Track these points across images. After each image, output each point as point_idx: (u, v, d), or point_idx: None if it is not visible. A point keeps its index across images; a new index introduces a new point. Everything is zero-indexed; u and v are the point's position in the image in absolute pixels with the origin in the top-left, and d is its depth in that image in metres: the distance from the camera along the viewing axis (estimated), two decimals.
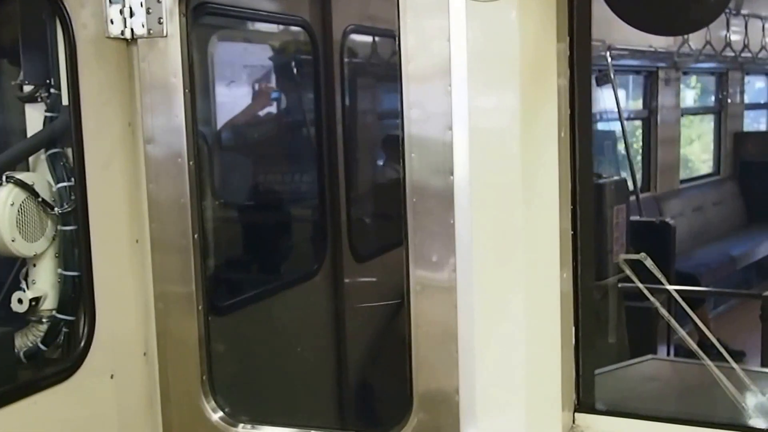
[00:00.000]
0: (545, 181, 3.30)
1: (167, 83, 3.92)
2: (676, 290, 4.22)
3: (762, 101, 15.26)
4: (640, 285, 3.74)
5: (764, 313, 6.22)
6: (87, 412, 3.81)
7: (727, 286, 10.82)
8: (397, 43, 3.51)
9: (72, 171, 3.80)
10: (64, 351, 3.87)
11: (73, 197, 3.79)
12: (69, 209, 3.80)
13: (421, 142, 3.52)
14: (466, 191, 3.42)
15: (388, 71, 6.02)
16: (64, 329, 3.86)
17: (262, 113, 5.80)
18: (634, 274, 4.00)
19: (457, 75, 3.40)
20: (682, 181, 12.78)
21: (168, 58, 3.89)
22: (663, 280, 3.63)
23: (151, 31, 3.86)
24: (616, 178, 6.56)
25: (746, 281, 11.75)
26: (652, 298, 3.73)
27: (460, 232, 3.48)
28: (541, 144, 3.28)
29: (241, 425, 4.03)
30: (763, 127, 15.39)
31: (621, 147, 9.93)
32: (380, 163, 6.49)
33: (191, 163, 3.95)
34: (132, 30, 3.86)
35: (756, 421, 3.67)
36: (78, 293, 3.84)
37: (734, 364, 3.55)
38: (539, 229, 3.32)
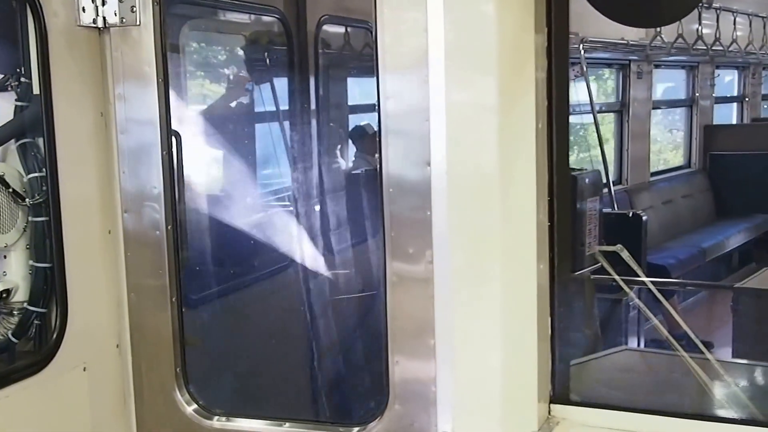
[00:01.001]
0: (522, 172, 3.30)
1: (140, 73, 3.87)
2: (651, 282, 4.25)
3: (732, 94, 15.41)
4: (617, 277, 3.76)
5: (735, 305, 6.27)
6: (59, 405, 3.77)
7: (697, 278, 10.92)
8: (373, 34, 3.49)
9: (43, 161, 3.75)
10: (35, 344, 3.83)
11: (44, 188, 3.74)
12: (40, 200, 3.75)
13: (397, 133, 3.51)
14: (443, 182, 3.41)
15: (363, 62, 6.00)
16: (36, 321, 3.81)
17: (235, 104, 5.75)
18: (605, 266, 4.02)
19: (434, 66, 3.39)
20: (653, 174, 12.87)
21: (141, 47, 3.84)
22: (639, 271, 3.65)
23: (124, 20, 3.80)
24: (590, 170, 6.58)
25: (716, 273, 11.86)
26: (628, 290, 3.75)
27: (436, 224, 3.47)
28: (518, 136, 3.28)
29: (216, 417, 4.01)
30: (733, 120, 15.54)
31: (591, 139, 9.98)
32: (353, 154, 6.48)
33: (164, 153, 3.91)
34: (104, 18, 3.81)
35: (727, 411, 3.71)
36: (50, 285, 3.79)
37: (709, 355, 3.59)
38: (516, 220, 3.33)
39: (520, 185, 3.31)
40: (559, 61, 3.37)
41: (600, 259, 3.92)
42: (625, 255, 3.71)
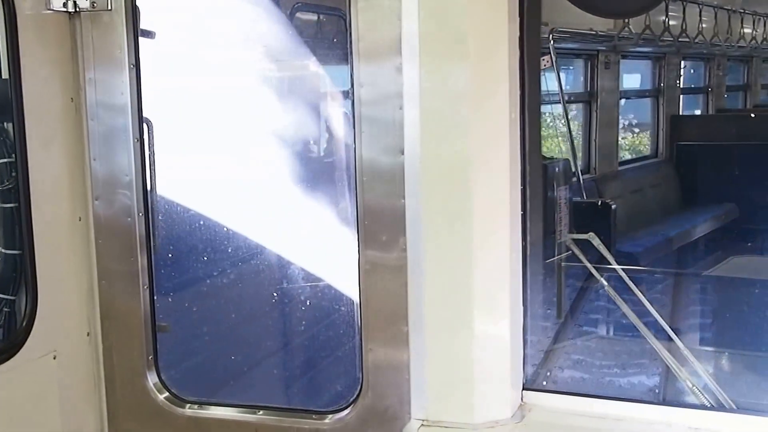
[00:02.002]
0: (496, 161, 3.32)
1: (112, 57, 3.84)
2: (622, 269, 4.29)
3: (698, 85, 15.58)
4: (589, 265, 3.80)
5: (703, 292, 6.36)
6: (29, 393, 3.73)
7: (665, 266, 11.04)
8: (347, 21, 3.49)
9: (12, 147, 3.70)
10: (4, 331, 3.80)
11: (13, 174, 3.69)
12: (9, 186, 3.71)
13: (371, 121, 3.51)
14: (417, 170, 3.42)
15: (335, 49, 5.97)
16: (5, 309, 3.78)
17: (208, 91, 5.70)
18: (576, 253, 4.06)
19: (408, 54, 3.39)
20: (621, 163, 12.98)
21: (113, 31, 3.81)
22: (610, 258, 3.68)
23: (95, 4, 3.76)
24: (560, 159, 6.63)
25: (683, 261, 12.00)
26: (599, 277, 3.79)
27: (410, 211, 3.48)
28: (492, 124, 3.29)
29: (188, 405, 4.00)
30: (698, 111, 15.73)
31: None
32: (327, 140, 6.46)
33: (136, 140, 3.88)
34: (75, 3, 3.76)
35: (697, 396, 3.77)
36: (19, 272, 3.76)
37: (679, 342, 3.64)
38: (489, 208, 3.34)
39: (494, 173, 3.32)
40: (531, 51, 3.39)
41: (572, 247, 3.95)
42: (596, 242, 3.75)
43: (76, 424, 3.95)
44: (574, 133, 11.10)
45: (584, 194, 9.81)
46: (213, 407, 4.00)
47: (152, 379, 3.98)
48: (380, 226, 3.57)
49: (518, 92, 3.35)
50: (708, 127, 14.71)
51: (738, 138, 13.14)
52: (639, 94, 14.29)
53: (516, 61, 3.34)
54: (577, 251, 3.92)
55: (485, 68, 3.26)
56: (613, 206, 7.90)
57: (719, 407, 3.67)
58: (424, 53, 3.32)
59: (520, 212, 3.43)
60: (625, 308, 3.77)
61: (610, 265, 4.26)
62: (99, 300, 3.96)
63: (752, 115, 15.70)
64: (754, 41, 14.74)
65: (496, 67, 3.29)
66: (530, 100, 3.41)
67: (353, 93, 3.55)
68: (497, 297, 3.41)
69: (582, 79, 12.27)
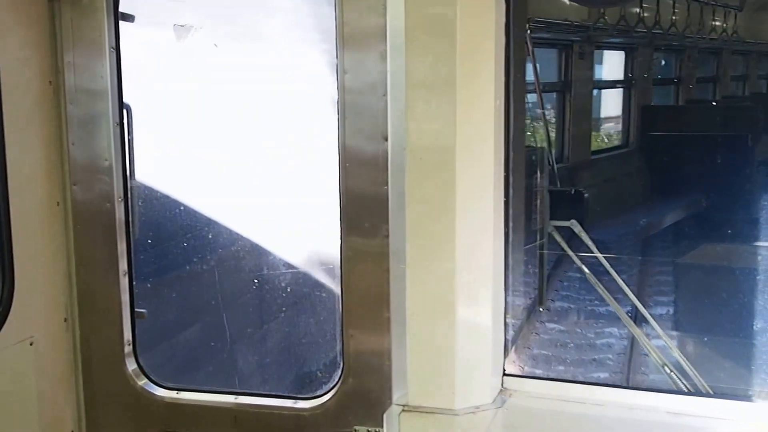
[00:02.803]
0: (480, 148, 3.32)
1: (91, 41, 3.79)
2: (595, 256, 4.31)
3: (670, 77, 15.70)
4: (570, 252, 3.82)
5: (677, 279, 6.43)
6: (5, 379, 3.69)
7: (636, 254, 11.14)
8: (333, 7, 3.47)
9: None
10: None
11: None
12: None
13: (355, 108, 3.51)
14: (401, 157, 3.41)
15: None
16: None
17: (191, 74, 5.64)
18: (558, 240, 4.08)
19: (393, 41, 3.38)
20: (594, 153, 13.07)
21: (92, 14, 3.76)
22: (591, 245, 3.71)
23: None
24: (536, 148, 6.66)
25: (654, 249, 12.11)
26: (580, 263, 3.81)
27: (393, 198, 3.48)
28: (476, 111, 3.29)
29: (166, 391, 3.98)
30: (670, 101, 15.86)
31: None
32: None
33: (116, 124, 3.84)
34: None
35: (674, 381, 3.82)
36: None
37: (658, 329, 3.67)
38: (473, 195, 3.34)
39: (478, 160, 3.32)
40: (517, 39, 3.39)
41: (554, 234, 3.97)
42: (577, 229, 3.77)
43: (53, 410, 3.92)
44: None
45: (558, 183, 9.86)
46: (192, 393, 3.99)
47: (131, 365, 3.96)
48: (363, 213, 3.57)
49: (503, 80, 3.35)
50: (678, 118, 14.85)
51: (707, 128, 13.27)
52: (612, 84, 14.38)
53: (502, 49, 3.34)
54: (559, 238, 3.94)
55: (471, 56, 3.25)
56: (586, 195, 7.96)
57: (696, 392, 3.71)
58: (410, 40, 3.31)
59: (503, 199, 3.44)
60: (606, 295, 3.79)
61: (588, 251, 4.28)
62: (77, 286, 3.93)
63: (713, 103, 15.88)
64: (724, 33, 14.88)
65: (482, 55, 3.28)
66: (515, 87, 3.41)
67: (338, 79, 3.54)
68: (480, 284, 3.41)
69: (557, 69, 12.31)
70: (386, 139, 3.46)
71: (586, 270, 3.80)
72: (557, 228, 3.97)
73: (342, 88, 3.52)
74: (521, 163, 3.64)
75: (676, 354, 3.84)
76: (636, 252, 11.10)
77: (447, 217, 3.36)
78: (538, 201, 5.39)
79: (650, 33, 11.99)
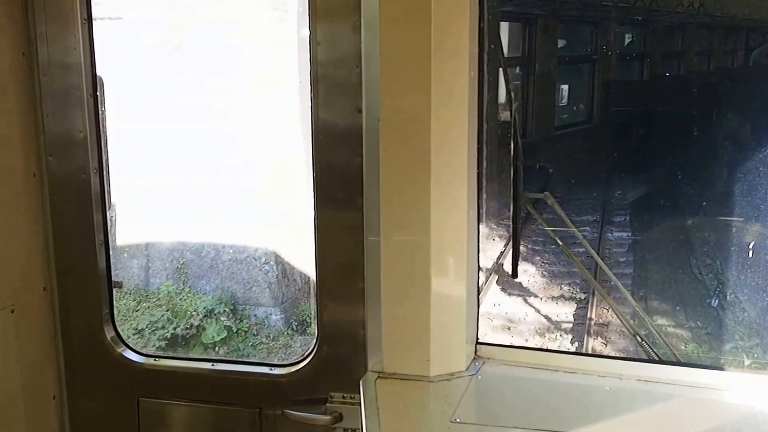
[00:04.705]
0: (454, 119, 3.35)
1: (63, 11, 3.77)
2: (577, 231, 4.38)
3: (634, 52, 15.84)
4: (545, 225, 3.88)
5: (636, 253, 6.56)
6: None
7: (598, 229, 11.31)
8: None
9: None
10: None
11: None
12: None
13: (327, 80, 3.52)
14: (374, 129, 3.44)
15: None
16: None
17: (168, 48, 5.64)
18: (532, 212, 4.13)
19: (366, 11, 3.39)
20: (558, 128, 13.19)
21: None
22: (565, 218, 3.78)
23: None
24: (501, 121, 6.72)
25: (616, 223, 12.29)
26: (553, 236, 3.88)
27: (367, 170, 3.51)
28: (451, 83, 3.32)
29: (144, 357, 4.02)
30: (634, 77, 16.00)
31: None
32: None
33: (90, 96, 3.84)
34: None
35: (644, 349, 3.91)
36: None
37: (632, 300, 3.76)
38: (447, 167, 3.38)
39: (452, 132, 3.36)
40: (492, 12, 3.42)
41: (528, 206, 4.04)
42: (551, 201, 3.85)
43: (34, 376, 3.96)
44: None
45: (522, 158, 9.93)
46: (170, 360, 4.03)
47: (109, 333, 3.99)
48: (336, 185, 3.59)
49: (477, 52, 3.39)
50: (642, 93, 15.00)
51: (671, 103, 13.43)
52: (576, 60, 14.49)
53: (476, 21, 3.35)
54: (532, 210, 4.01)
55: (445, 27, 3.28)
56: (551, 170, 8.08)
57: (666, 360, 3.81)
58: (384, 10, 3.31)
59: (476, 171, 3.49)
60: (581, 267, 3.87)
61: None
62: (54, 256, 3.94)
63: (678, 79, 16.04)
64: (691, 7, 15.04)
65: (456, 26, 3.31)
66: (490, 59, 3.45)
67: (311, 52, 3.55)
68: (454, 255, 3.46)
69: (520, 43, 12.37)
70: (360, 112, 3.48)
71: (559, 242, 3.88)
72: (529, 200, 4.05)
73: (315, 61, 3.53)
74: (495, 135, 3.69)
75: (648, 322, 3.94)
76: (598, 226, 11.27)
77: (421, 188, 3.40)
78: (512, 172, 5.43)
79: (616, 6, 12.08)
